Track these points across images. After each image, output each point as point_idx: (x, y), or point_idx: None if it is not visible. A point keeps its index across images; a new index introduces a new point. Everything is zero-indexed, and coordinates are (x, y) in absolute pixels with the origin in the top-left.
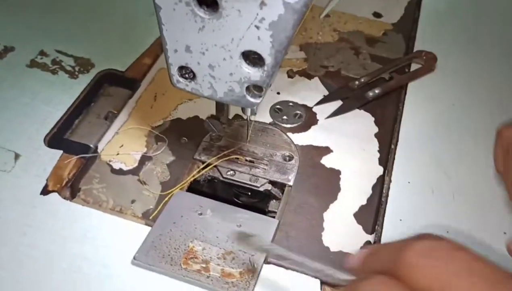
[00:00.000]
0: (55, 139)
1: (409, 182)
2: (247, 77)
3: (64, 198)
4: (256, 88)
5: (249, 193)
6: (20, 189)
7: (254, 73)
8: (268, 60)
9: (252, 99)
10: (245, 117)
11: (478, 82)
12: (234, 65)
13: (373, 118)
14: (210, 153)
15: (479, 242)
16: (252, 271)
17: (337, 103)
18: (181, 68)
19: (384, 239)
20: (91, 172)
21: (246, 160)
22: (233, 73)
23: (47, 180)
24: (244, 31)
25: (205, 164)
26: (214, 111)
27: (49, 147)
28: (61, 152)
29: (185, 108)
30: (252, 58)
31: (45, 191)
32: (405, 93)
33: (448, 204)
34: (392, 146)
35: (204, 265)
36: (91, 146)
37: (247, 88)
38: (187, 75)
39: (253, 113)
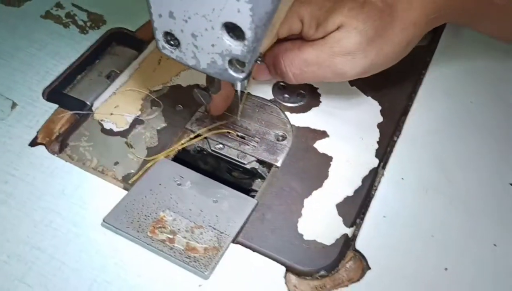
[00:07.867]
0: (53, 93)
1: (402, 178)
2: (228, 50)
3: (52, 152)
4: (239, 63)
5: (241, 169)
6: (10, 137)
7: (235, 47)
8: (248, 34)
9: (234, 74)
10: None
11: (505, 82)
12: (216, 36)
13: (379, 107)
14: (202, 123)
15: (467, 253)
16: (217, 249)
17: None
18: (166, 34)
19: (362, 235)
20: (82, 129)
21: (238, 135)
22: (215, 45)
23: (37, 132)
24: (224, 2)
25: (195, 134)
26: None
27: (46, 99)
28: (56, 105)
29: (188, 75)
30: (237, 32)
31: (33, 143)
32: (420, 84)
33: (441, 208)
34: (395, 138)
35: (170, 236)
36: (88, 103)
37: (230, 62)
38: (172, 42)
39: (243, 87)
